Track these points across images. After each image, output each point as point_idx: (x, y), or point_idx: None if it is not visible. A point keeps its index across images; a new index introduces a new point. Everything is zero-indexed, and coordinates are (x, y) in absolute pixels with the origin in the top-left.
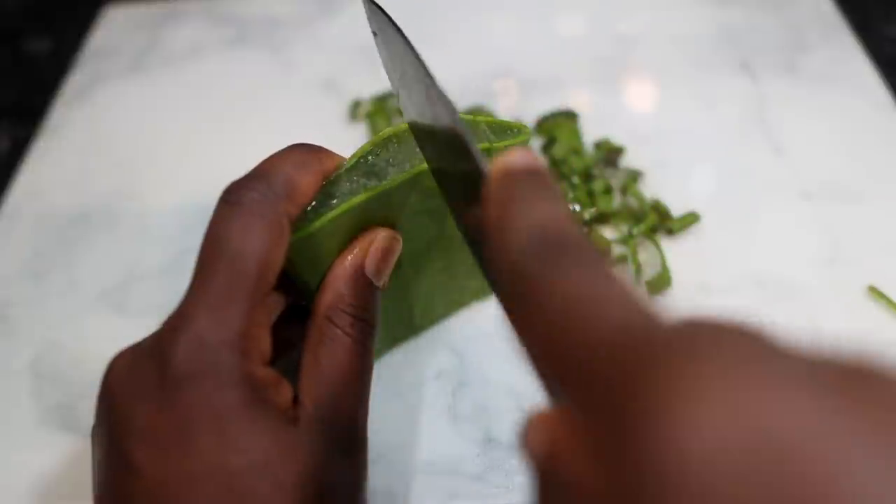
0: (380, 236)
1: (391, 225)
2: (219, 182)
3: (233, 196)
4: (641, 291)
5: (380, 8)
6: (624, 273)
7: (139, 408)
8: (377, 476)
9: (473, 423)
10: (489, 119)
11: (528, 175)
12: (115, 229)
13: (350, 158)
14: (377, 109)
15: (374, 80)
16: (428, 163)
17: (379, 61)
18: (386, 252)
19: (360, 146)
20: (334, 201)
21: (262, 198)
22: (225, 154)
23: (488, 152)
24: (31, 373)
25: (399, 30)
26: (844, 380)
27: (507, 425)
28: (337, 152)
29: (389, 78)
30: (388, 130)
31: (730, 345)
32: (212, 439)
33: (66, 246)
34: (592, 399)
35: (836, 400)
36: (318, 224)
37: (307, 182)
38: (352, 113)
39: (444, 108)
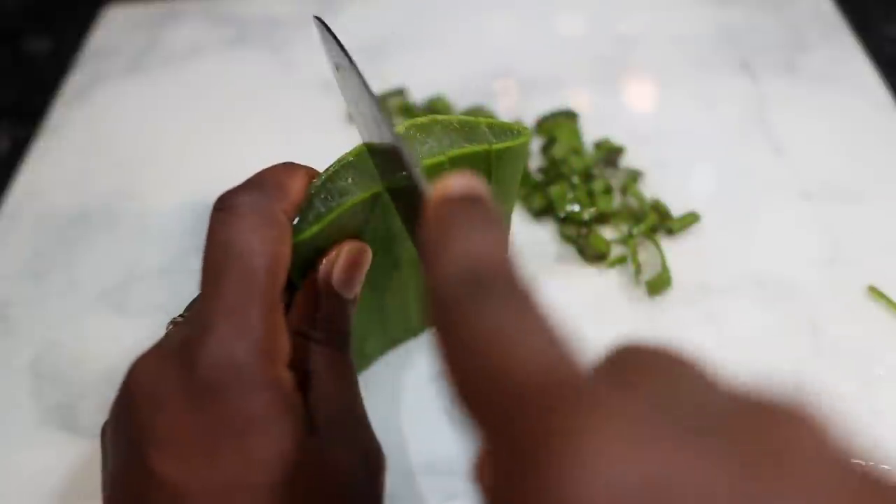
0: (345, 249)
1: (381, 232)
2: (219, 182)
3: (227, 202)
4: (564, 329)
5: (332, 35)
6: (550, 309)
7: (163, 414)
8: None
9: None
10: (489, 120)
11: (466, 202)
12: (115, 229)
13: (318, 177)
14: None
15: (374, 80)
16: (382, 182)
17: (379, 61)
18: (352, 264)
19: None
20: (318, 211)
21: (257, 199)
22: (225, 154)
23: (487, 154)
24: (31, 373)
25: (347, 55)
26: (733, 429)
27: None
28: (333, 153)
29: (347, 105)
30: (351, 151)
31: (633, 399)
32: (238, 449)
33: (66, 246)
34: (499, 439)
35: (716, 457)
36: (308, 232)
37: (297, 183)
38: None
39: (387, 129)
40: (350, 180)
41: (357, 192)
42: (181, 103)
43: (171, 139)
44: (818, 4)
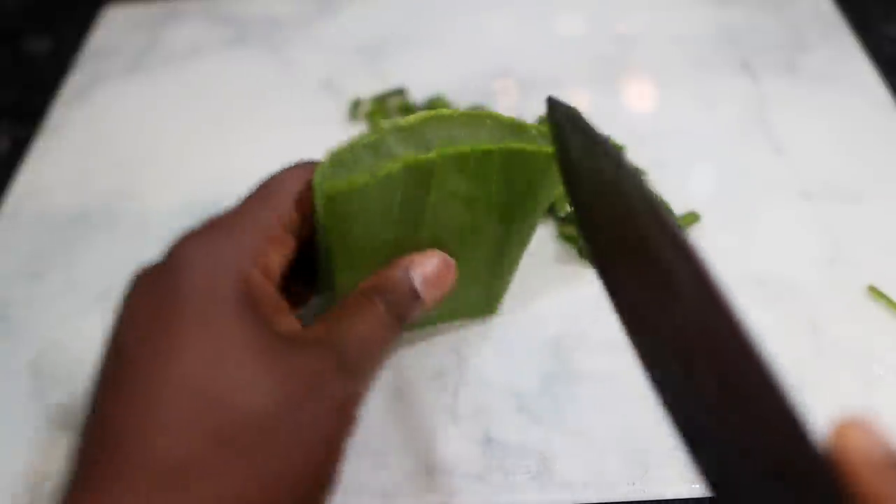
0: (435, 259)
1: (424, 204)
2: (219, 182)
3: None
4: None
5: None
6: None
7: (141, 299)
8: (377, 476)
9: (473, 423)
10: (537, 126)
11: None
12: (115, 229)
13: (394, 123)
14: (377, 109)
15: (374, 80)
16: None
17: (379, 61)
18: (438, 277)
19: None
20: (375, 161)
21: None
22: (225, 154)
23: (546, 156)
24: (31, 373)
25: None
26: None
27: (507, 425)
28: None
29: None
30: (431, 112)
31: None
32: (200, 326)
33: (66, 246)
34: None
35: None
36: (361, 180)
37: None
38: (352, 113)
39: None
40: (400, 149)
41: (436, 147)
42: (181, 103)
43: (171, 139)
44: (818, 4)
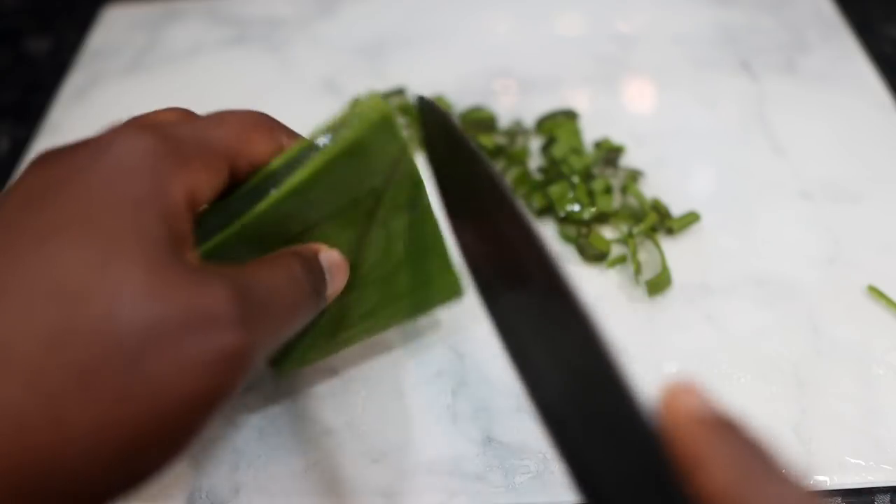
0: (335, 252)
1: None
2: None
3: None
4: None
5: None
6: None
7: (51, 164)
8: (377, 476)
9: (473, 423)
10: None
11: (739, 432)
12: None
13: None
14: None
15: (374, 80)
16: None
17: (379, 61)
18: (338, 267)
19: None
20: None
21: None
22: None
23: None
24: None
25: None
26: None
27: (507, 425)
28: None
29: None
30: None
31: None
32: (101, 217)
33: None
34: None
35: None
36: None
37: (261, 148)
38: None
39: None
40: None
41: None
42: (181, 103)
43: None
44: (818, 4)
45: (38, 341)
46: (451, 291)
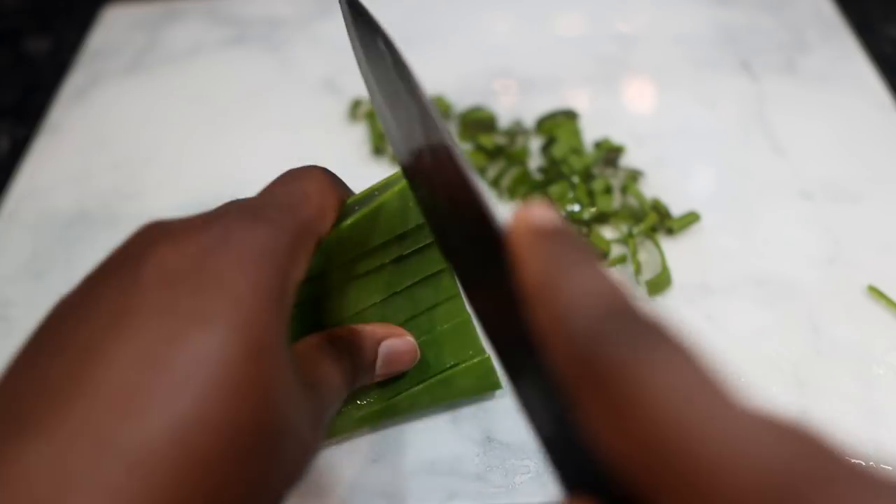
0: (403, 339)
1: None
2: (219, 182)
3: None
4: (721, 372)
5: (364, 14)
6: (693, 342)
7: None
8: (377, 476)
9: (473, 423)
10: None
11: (564, 236)
12: (115, 229)
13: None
14: None
15: None
16: (424, 213)
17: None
18: (399, 356)
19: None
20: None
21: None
22: (225, 154)
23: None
24: None
25: (385, 38)
26: None
27: (507, 425)
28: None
29: (375, 101)
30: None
31: (854, 479)
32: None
33: (66, 246)
34: None
35: None
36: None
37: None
38: (351, 113)
39: (436, 131)
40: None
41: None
42: (181, 103)
43: (171, 139)
44: (818, 4)
45: (174, 434)
46: (485, 382)
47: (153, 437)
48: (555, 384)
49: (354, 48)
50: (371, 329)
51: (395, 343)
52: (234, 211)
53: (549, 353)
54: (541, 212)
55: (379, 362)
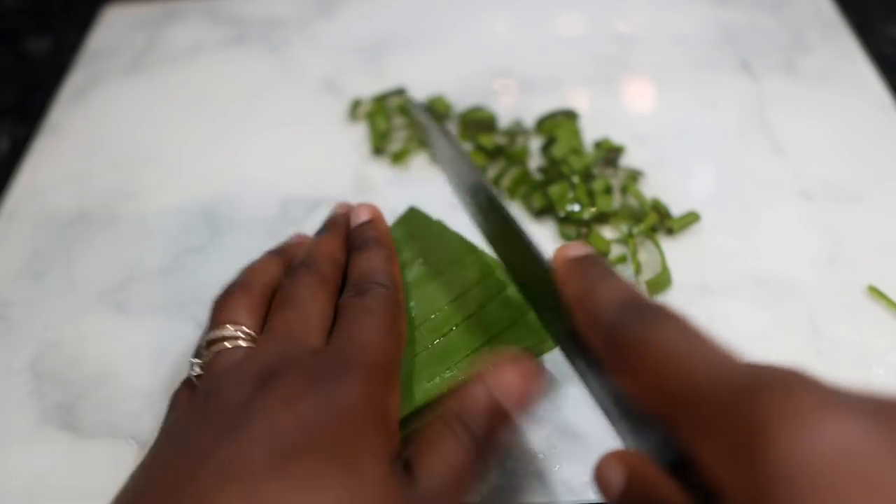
0: (512, 366)
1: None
2: (219, 182)
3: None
4: (716, 336)
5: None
6: (696, 320)
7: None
8: None
9: None
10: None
11: (591, 259)
12: (114, 229)
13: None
14: (377, 109)
15: (373, 80)
16: (505, 265)
17: (379, 61)
18: (520, 383)
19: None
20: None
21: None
22: (225, 154)
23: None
24: (31, 373)
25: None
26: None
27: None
28: (333, 152)
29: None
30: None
31: (808, 383)
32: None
33: (66, 246)
34: (703, 423)
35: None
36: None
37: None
38: (351, 113)
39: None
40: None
41: None
42: (181, 103)
43: (171, 139)
44: (818, 4)
45: None
46: (541, 343)
47: None
48: (596, 361)
49: (437, 146)
50: (473, 376)
51: (500, 373)
52: (353, 370)
53: (588, 340)
54: (572, 247)
55: (502, 398)
